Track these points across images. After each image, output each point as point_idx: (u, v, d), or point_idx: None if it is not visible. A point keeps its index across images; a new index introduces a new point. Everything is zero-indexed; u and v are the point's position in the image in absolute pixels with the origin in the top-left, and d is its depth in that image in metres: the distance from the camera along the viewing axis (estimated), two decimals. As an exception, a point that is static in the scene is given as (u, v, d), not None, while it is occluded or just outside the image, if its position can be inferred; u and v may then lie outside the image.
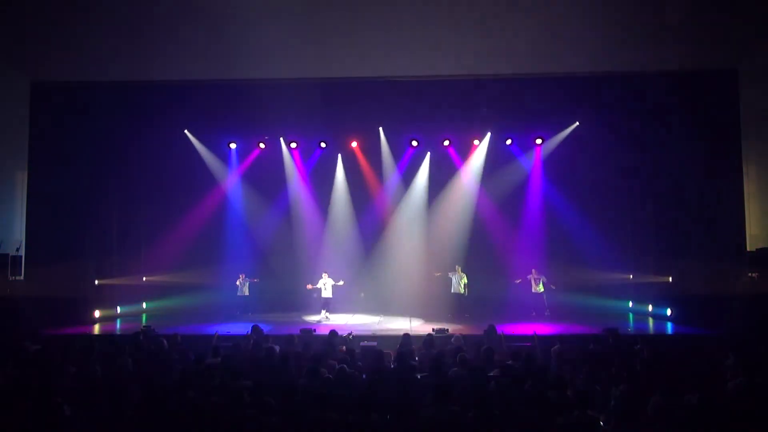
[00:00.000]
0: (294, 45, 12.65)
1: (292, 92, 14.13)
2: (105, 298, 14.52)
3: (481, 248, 15.88)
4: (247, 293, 15.31)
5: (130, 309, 15.17)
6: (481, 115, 15.09)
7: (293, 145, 16.35)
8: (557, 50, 13.04)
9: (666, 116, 14.45)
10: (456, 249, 15.87)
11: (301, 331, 10.66)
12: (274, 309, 15.50)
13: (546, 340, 9.92)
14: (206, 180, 16.08)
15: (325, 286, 14.50)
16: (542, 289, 14.68)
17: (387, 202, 16.68)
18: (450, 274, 14.85)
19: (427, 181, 16.52)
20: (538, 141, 15.89)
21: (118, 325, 13.62)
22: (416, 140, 15.97)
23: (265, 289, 15.70)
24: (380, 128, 15.91)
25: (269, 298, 15.77)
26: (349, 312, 15.25)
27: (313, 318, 14.38)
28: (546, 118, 15.22)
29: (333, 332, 9.25)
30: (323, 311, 14.36)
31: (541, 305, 14.56)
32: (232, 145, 16.22)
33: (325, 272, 14.73)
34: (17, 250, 14.22)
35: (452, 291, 14.77)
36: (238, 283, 15.32)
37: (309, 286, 14.69)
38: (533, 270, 14.84)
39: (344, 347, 8.50)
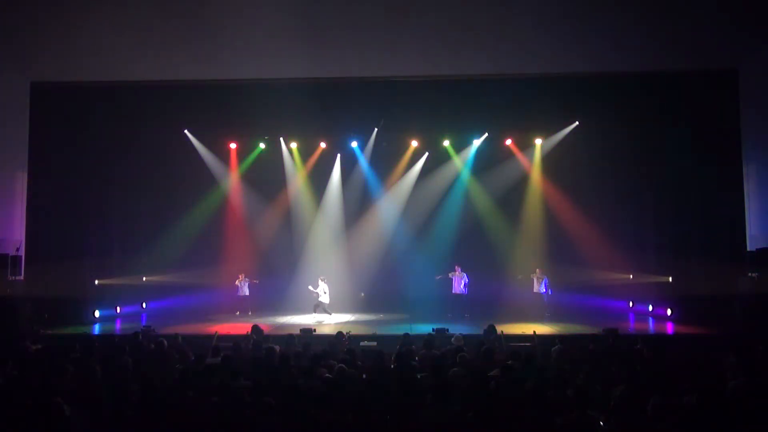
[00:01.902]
0: (294, 45, 12.65)
1: (292, 92, 14.14)
2: (105, 298, 14.53)
3: (481, 248, 15.89)
4: (247, 293, 15.31)
5: (130, 309, 15.19)
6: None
7: (293, 145, 16.36)
8: (557, 50, 13.04)
9: (666, 116, 14.46)
10: (456, 249, 15.88)
11: (301, 331, 10.67)
12: (274, 309, 15.51)
13: (546, 340, 9.91)
14: (206, 180, 16.07)
15: (326, 291, 14.57)
16: (543, 289, 14.68)
17: (386, 201, 16.67)
18: (450, 275, 14.83)
19: (426, 181, 16.51)
20: (538, 140, 15.91)
21: (118, 325, 13.62)
22: (416, 140, 15.99)
23: (265, 289, 15.71)
24: (375, 129, 15.89)
25: (269, 298, 15.77)
26: (349, 312, 15.26)
27: (317, 318, 14.41)
28: (545, 118, 15.23)
29: (340, 333, 9.28)
30: (325, 313, 14.53)
31: (541, 305, 14.54)
32: (232, 145, 16.22)
33: (322, 278, 14.75)
34: (17, 250, 14.22)
35: (453, 291, 14.76)
36: (237, 283, 15.32)
37: (310, 288, 14.74)
38: (537, 270, 14.83)
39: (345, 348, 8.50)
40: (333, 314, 14.55)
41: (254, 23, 12.41)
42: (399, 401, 5.47)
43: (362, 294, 16.16)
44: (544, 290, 14.66)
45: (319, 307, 14.49)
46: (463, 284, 14.67)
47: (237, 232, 16.35)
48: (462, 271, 14.79)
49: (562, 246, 15.39)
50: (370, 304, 15.79)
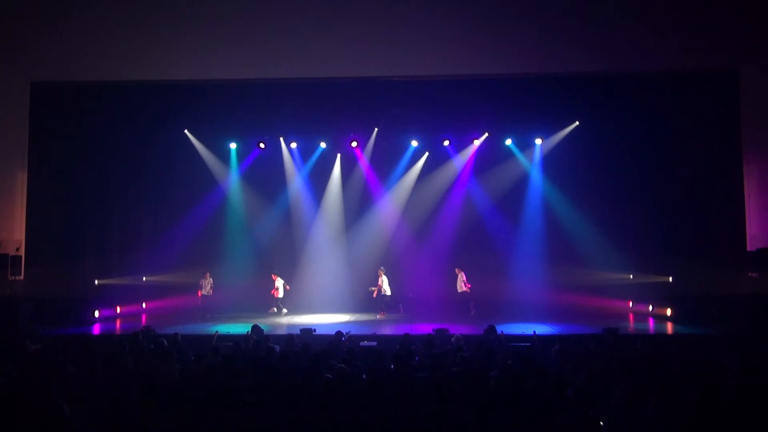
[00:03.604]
0: (294, 45, 12.66)
1: (292, 92, 14.15)
2: (105, 298, 14.53)
3: (481, 248, 15.89)
4: (210, 293, 15.09)
5: (130, 309, 15.18)
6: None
7: (293, 145, 16.36)
8: (557, 50, 13.04)
9: (666, 116, 14.44)
10: (456, 248, 15.89)
11: (301, 331, 10.68)
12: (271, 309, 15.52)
13: (546, 340, 9.92)
14: (206, 180, 16.07)
15: (279, 287, 15.36)
16: (463, 288, 14.68)
17: (386, 201, 16.67)
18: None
19: (426, 181, 16.51)
20: (538, 140, 15.90)
21: (118, 325, 13.61)
22: (416, 140, 15.99)
23: (265, 289, 15.71)
24: (375, 129, 15.88)
25: (269, 298, 15.76)
26: (349, 312, 15.27)
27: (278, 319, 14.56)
28: (546, 118, 15.23)
29: (340, 333, 9.29)
30: (282, 309, 15.26)
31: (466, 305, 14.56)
32: (232, 145, 16.22)
33: (274, 274, 15.39)
34: (17, 250, 14.21)
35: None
36: (204, 282, 15.09)
37: (287, 287, 15.47)
38: (456, 269, 14.94)
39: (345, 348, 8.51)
40: (285, 311, 15.19)
41: (254, 23, 12.41)
42: (399, 401, 5.48)
43: (370, 288, 15.81)
44: (466, 287, 14.60)
45: (274, 303, 15.20)
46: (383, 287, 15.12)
47: (237, 232, 16.36)
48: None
49: (562, 246, 15.39)
50: (370, 304, 15.78)
